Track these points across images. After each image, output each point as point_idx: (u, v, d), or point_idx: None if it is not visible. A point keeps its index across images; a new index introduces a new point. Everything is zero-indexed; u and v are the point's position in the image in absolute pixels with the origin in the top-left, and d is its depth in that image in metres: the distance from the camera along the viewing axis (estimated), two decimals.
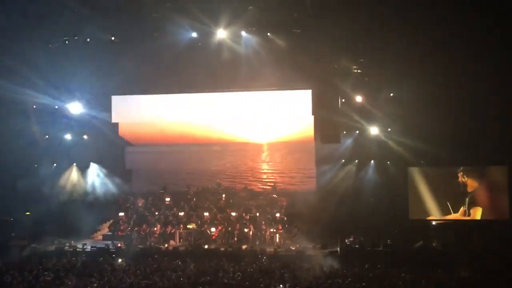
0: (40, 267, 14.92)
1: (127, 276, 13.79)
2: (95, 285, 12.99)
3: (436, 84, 18.21)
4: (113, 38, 19.82)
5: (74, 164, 22.07)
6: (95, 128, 21.79)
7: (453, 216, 19.04)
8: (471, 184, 19.09)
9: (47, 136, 21.48)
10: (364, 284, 12.62)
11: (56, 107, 21.15)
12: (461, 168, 19.19)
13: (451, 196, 19.19)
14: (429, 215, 19.25)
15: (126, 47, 19.96)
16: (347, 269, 14.70)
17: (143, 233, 19.23)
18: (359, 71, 19.93)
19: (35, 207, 19.93)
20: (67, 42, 19.79)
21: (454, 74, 17.98)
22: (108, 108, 22.27)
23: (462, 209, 18.99)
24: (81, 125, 21.68)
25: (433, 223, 19.25)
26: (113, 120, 22.50)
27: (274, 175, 22.32)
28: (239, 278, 13.40)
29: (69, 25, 19.10)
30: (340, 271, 14.51)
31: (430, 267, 14.58)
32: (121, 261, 16.15)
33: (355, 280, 13.06)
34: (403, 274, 13.74)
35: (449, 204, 19.12)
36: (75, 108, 21.36)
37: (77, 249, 17.97)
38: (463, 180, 19.17)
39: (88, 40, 19.83)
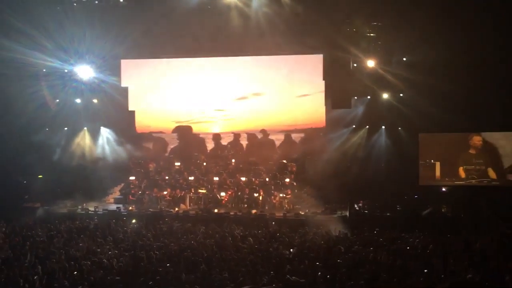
0: (54, 229, 15.19)
1: (138, 239, 14.01)
2: (107, 246, 13.20)
3: (449, 48, 17.83)
4: (121, 0, 19.52)
5: (85, 128, 22.14)
6: (104, 92, 21.74)
7: (464, 181, 18.98)
8: (483, 150, 18.94)
9: (57, 100, 21.51)
10: (372, 248, 12.69)
11: (66, 70, 21.08)
12: (473, 134, 19.00)
13: (462, 162, 19.09)
14: (439, 181, 19.20)
15: (135, 9, 19.71)
16: (356, 234, 14.79)
17: (154, 197, 19.41)
18: (372, 34, 19.54)
19: (48, 171, 20.17)
20: (75, 4, 19.54)
21: (468, 39, 17.57)
22: (117, 72, 22.16)
23: (473, 174, 18.91)
24: (91, 89, 21.64)
25: (443, 189, 19.22)
26: (123, 84, 22.41)
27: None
28: (248, 241, 13.54)
29: None
30: (349, 235, 14.60)
31: (439, 232, 14.61)
32: (133, 222, 16.39)
33: (363, 245, 13.14)
34: (411, 239, 13.80)
35: (460, 170, 19.04)
36: (85, 72, 21.28)
37: (89, 212, 18.24)
38: (476, 145, 19.01)
39: (97, 2, 19.56)
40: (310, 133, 21.62)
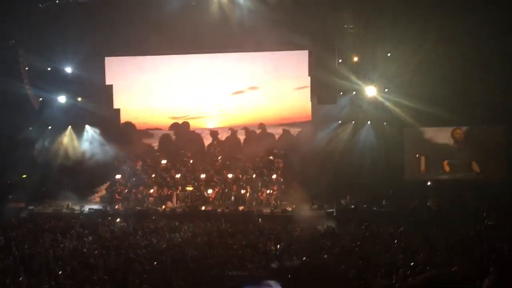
0: (39, 229, 15.02)
1: (125, 237, 13.93)
2: (94, 245, 13.10)
3: (433, 44, 17.95)
4: None
5: (69, 126, 21.91)
6: (89, 90, 21.50)
7: (448, 175, 19.18)
8: (468, 144, 19.15)
9: (40, 99, 21.25)
10: (359, 243, 12.77)
11: (49, 69, 20.82)
12: (458, 128, 19.20)
13: (447, 156, 19.28)
14: (424, 175, 19.37)
15: (119, 7, 19.50)
16: (342, 229, 14.87)
17: (140, 195, 19.30)
18: (357, 30, 19.61)
19: (32, 170, 19.94)
20: (57, 1, 19.31)
21: (451, 34, 17.71)
22: (102, 70, 21.95)
23: (458, 168, 19.12)
24: (75, 87, 21.38)
25: (428, 183, 19.40)
26: (107, 82, 22.21)
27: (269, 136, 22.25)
28: (236, 239, 13.54)
29: None
30: (336, 230, 14.67)
31: (424, 226, 14.74)
32: (118, 221, 16.29)
33: (350, 240, 13.22)
34: (397, 233, 13.91)
35: (445, 164, 19.24)
36: (69, 70, 21.03)
37: (75, 211, 18.06)
38: (460, 140, 19.21)
39: (80, 0, 19.34)
40: (297, 128, 21.66)
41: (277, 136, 22.03)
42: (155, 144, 22.68)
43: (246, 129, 22.16)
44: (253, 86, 22.08)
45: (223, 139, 22.35)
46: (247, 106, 22.25)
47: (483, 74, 17.99)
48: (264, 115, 22.19)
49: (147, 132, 22.88)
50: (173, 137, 22.61)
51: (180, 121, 22.49)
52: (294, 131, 21.77)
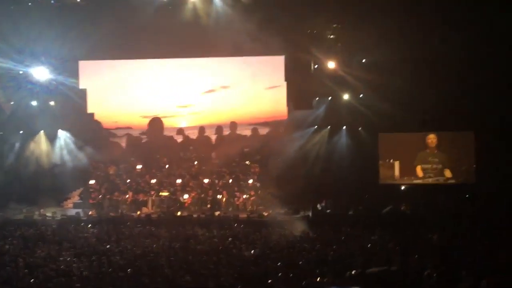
0: (9, 236, 14.67)
1: (99, 244, 13.70)
2: (67, 253, 12.85)
3: (407, 49, 18.28)
4: (78, 0, 19.09)
5: (42, 131, 21.48)
6: (62, 94, 21.15)
7: (421, 180, 19.51)
8: (439, 148, 19.53)
9: (12, 103, 20.80)
10: (334, 247, 12.84)
11: (21, 72, 20.39)
12: (430, 133, 19.55)
13: (420, 161, 19.62)
14: (398, 179, 19.66)
15: (93, 10, 19.29)
16: (318, 234, 14.93)
17: (114, 201, 19.03)
18: (332, 36, 19.82)
19: (3, 175, 19.48)
20: (30, 3, 18.97)
21: (425, 39, 18.06)
22: (75, 74, 21.62)
23: (430, 173, 19.47)
24: (48, 91, 20.97)
25: (402, 187, 19.69)
26: (81, 86, 21.88)
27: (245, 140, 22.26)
28: (212, 243, 13.47)
29: None
30: (311, 235, 14.73)
31: (399, 230, 14.91)
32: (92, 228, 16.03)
33: (325, 244, 13.28)
34: (372, 237, 14.05)
35: (418, 169, 19.56)
36: (41, 73, 20.63)
37: (47, 217, 17.70)
38: (431, 144, 19.58)
39: (53, 1, 19.06)
40: (273, 132, 21.74)
41: (249, 136, 22.03)
42: (124, 144, 22.41)
43: (219, 127, 22.09)
44: (225, 86, 22.12)
45: (194, 137, 22.23)
46: (220, 105, 22.23)
47: (456, 80, 18.40)
48: (237, 115, 22.20)
49: (117, 132, 22.58)
50: (144, 138, 22.38)
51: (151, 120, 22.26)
52: (265, 130, 21.81)
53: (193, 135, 22.36)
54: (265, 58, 21.56)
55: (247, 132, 22.15)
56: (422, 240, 13.49)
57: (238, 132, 22.23)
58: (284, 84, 21.52)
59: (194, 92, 22.14)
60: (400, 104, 18.56)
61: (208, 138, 22.26)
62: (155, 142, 22.20)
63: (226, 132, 22.25)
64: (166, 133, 22.44)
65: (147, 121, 22.41)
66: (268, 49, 20.41)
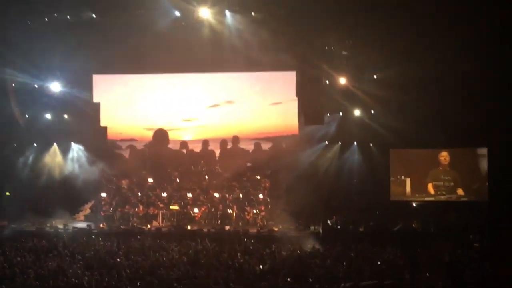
0: (20, 248, 14.79)
1: (109, 257, 13.75)
2: (77, 265, 12.91)
3: (419, 66, 18.25)
4: (94, 16, 19.43)
5: (55, 144, 21.72)
6: (76, 107, 21.41)
7: (433, 197, 19.34)
8: (452, 166, 19.38)
9: (27, 116, 21.10)
10: (345, 264, 12.76)
11: (36, 86, 20.74)
12: (442, 150, 19.43)
13: (432, 178, 19.46)
14: (410, 197, 19.51)
15: (107, 25, 19.59)
16: (328, 250, 14.85)
17: (125, 214, 19.11)
18: (344, 52, 19.89)
19: (16, 187, 19.69)
20: (46, 19, 19.34)
21: (437, 56, 18.05)
22: (89, 88, 21.91)
23: (442, 190, 19.30)
24: (62, 104, 21.26)
25: (414, 204, 19.53)
26: (94, 100, 22.15)
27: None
28: (221, 258, 13.45)
29: (48, 2, 18.64)
30: (322, 251, 14.65)
31: (410, 247, 14.79)
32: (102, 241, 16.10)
33: (336, 260, 13.21)
34: (383, 255, 13.93)
35: (430, 186, 19.41)
36: (55, 87, 20.96)
37: (59, 230, 17.82)
38: (444, 162, 19.43)
39: (68, 17, 19.42)
40: (283, 147, 21.73)
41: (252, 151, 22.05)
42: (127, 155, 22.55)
43: (223, 141, 22.11)
44: (230, 101, 22.17)
45: (198, 151, 22.29)
46: (224, 119, 22.28)
47: (468, 96, 18.33)
48: (241, 129, 22.25)
49: (122, 144, 22.75)
50: (148, 149, 22.49)
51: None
52: (280, 148, 21.80)
53: (197, 148, 22.43)
54: (276, 74, 21.67)
55: (251, 146, 22.16)
56: (433, 258, 13.35)
57: (241, 146, 22.24)
58: (288, 100, 21.52)
59: (199, 106, 22.23)
60: (411, 120, 18.51)
61: (213, 152, 22.31)
62: (163, 155, 22.29)
63: (229, 146, 22.28)
64: (170, 145, 22.55)
65: (151, 133, 22.55)
66: (279, 64, 20.58)
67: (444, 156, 19.39)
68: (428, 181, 19.45)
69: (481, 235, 15.70)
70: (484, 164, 18.97)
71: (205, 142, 22.32)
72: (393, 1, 17.53)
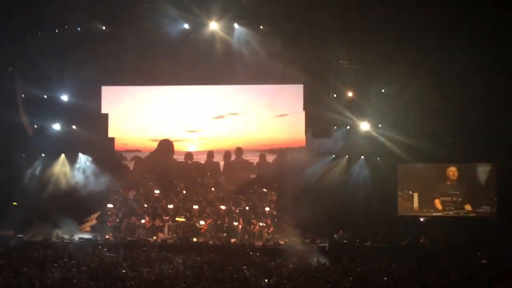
0: (26, 258, 14.80)
1: (115, 268, 13.72)
2: (83, 276, 12.89)
3: (427, 80, 18.26)
4: (103, 28, 19.65)
5: (63, 154, 21.84)
6: (84, 118, 21.56)
7: (441, 212, 19.19)
8: (460, 181, 19.23)
9: (35, 126, 21.25)
10: (351, 278, 12.65)
11: (45, 96, 20.92)
12: (450, 164, 19.31)
13: (440, 192, 19.32)
14: (417, 212, 19.36)
15: (117, 37, 19.82)
16: (335, 264, 14.73)
17: (131, 225, 19.10)
18: (351, 66, 19.94)
19: (23, 197, 19.76)
20: (57, 31, 19.58)
21: (445, 71, 18.05)
22: (97, 99, 22.09)
23: (450, 206, 19.14)
24: (70, 115, 21.43)
25: (421, 219, 19.37)
26: (103, 111, 22.31)
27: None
28: (227, 271, 13.38)
29: (59, 14, 18.89)
30: (328, 265, 14.54)
31: (417, 263, 14.65)
32: (108, 252, 16.08)
33: (342, 275, 13.10)
34: (389, 270, 13.80)
35: (437, 202, 19.27)
36: (64, 97, 21.13)
37: (65, 240, 17.83)
38: (452, 177, 19.29)
39: (79, 29, 19.64)
40: (287, 159, 21.73)
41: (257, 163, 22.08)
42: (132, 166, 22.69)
43: (227, 153, 22.15)
44: (235, 112, 22.27)
45: (203, 162, 22.38)
46: (229, 131, 22.37)
47: (476, 111, 18.27)
48: (245, 141, 22.30)
49: (127, 155, 22.85)
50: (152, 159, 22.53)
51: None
52: (286, 160, 21.76)
53: (202, 159, 22.46)
54: (283, 86, 21.75)
55: (256, 158, 22.16)
56: (440, 274, 13.20)
57: (246, 158, 22.24)
58: (294, 112, 21.55)
59: (204, 118, 22.31)
60: (419, 134, 18.45)
61: (217, 164, 22.33)
62: (168, 166, 22.34)
63: (233, 158, 22.28)
64: (175, 156, 22.61)
65: (156, 144, 22.61)
66: (287, 77, 20.67)
67: (452, 171, 19.24)
68: (436, 196, 19.30)
69: (489, 251, 15.50)
70: (493, 180, 18.80)
71: (210, 154, 22.38)
72: (402, 14, 17.60)
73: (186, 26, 19.29)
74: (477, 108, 18.28)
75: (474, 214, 18.91)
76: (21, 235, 18.18)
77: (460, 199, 19.08)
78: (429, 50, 18.19)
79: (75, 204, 19.98)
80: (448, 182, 19.30)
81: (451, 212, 19.10)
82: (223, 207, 19.67)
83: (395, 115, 19.00)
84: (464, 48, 17.51)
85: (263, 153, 22.06)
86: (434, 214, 19.25)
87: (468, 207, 19.00)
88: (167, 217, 19.34)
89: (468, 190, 19.06)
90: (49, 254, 15.47)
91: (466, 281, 12.49)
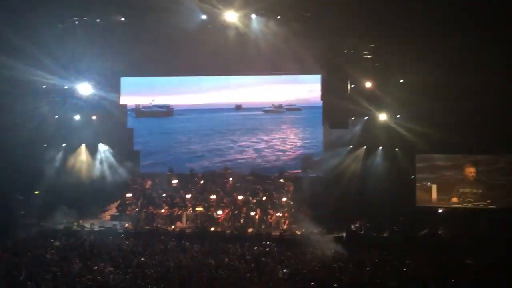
0: (49, 246, 15.13)
1: (134, 256, 13.96)
2: (103, 264, 13.14)
3: (446, 70, 17.99)
4: (122, 19, 19.77)
5: (83, 144, 22.17)
6: (104, 109, 21.83)
7: (460, 204, 19.00)
8: (479, 172, 19.00)
9: (56, 117, 21.58)
10: (368, 269, 12.67)
11: (66, 87, 21.20)
12: (470, 156, 19.08)
13: (459, 184, 19.12)
14: (436, 203, 19.21)
15: (135, 28, 19.93)
16: (351, 254, 14.75)
17: (150, 214, 19.35)
18: (369, 56, 19.76)
19: (45, 186, 20.13)
20: (76, 22, 19.77)
21: (465, 61, 17.76)
22: (117, 89, 22.33)
23: (470, 198, 18.94)
24: (90, 106, 21.70)
25: (440, 210, 19.21)
26: (122, 102, 22.55)
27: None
28: (244, 261, 13.50)
29: (78, 5, 19.07)
30: (345, 256, 14.57)
31: (435, 254, 14.59)
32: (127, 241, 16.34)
33: (359, 265, 13.12)
34: (407, 261, 13.77)
35: (456, 192, 19.08)
36: (84, 88, 21.38)
37: (85, 229, 18.17)
38: (471, 168, 19.07)
39: (98, 20, 19.81)
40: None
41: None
42: None
43: None
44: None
45: None
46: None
47: (496, 102, 17.97)
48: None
49: None
50: None
51: None
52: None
53: None
54: (301, 77, 21.72)
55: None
56: (458, 265, 13.14)
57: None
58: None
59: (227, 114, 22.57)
60: (438, 125, 18.20)
61: None
62: None
63: None
64: None
65: None
66: (305, 68, 20.59)
67: (471, 171, 18.96)
68: (455, 188, 19.09)
69: (508, 243, 15.34)
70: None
71: None
72: (421, 3, 17.33)
73: (204, 17, 19.30)
74: (497, 98, 17.97)
75: (494, 206, 18.67)
76: (43, 224, 18.55)
77: (480, 191, 18.86)
78: (449, 39, 17.89)
79: (96, 193, 20.30)
80: (468, 173, 19.05)
81: (470, 204, 18.90)
82: (240, 197, 19.79)
83: (414, 105, 18.77)
84: (488, 37, 17.17)
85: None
86: (453, 205, 19.07)
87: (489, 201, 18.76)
88: (187, 207, 19.53)
89: (487, 185, 18.79)
90: (70, 242, 15.78)
91: (486, 273, 12.39)
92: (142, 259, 13.69)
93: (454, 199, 18.98)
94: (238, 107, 22.61)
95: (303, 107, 22.55)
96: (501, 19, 16.78)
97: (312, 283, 11.25)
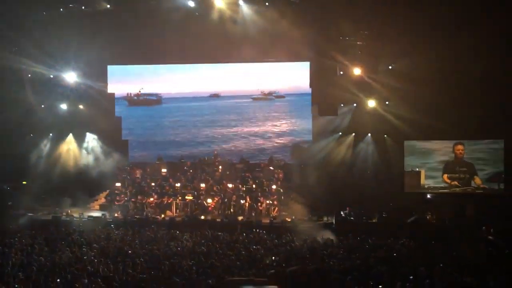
0: (37, 236, 15.02)
1: (124, 245, 13.91)
2: (92, 253, 13.08)
3: (434, 57, 18.05)
4: (108, 6, 19.50)
5: (70, 134, 21.95)
6: (91, 98, 21.61)
7: (448, 189, 19.20)
8: (467, 157, 19.18)
9: (42, 106, 21.33)
10: (357, 255, 12.75)
11: (52, 76, 20.95)
12: (458, 141, 19.23)
13: (447, 170, 19.30)
14: (424, 188, 19.37)
15: (122, 16, 19.68)
16: (341, 241, 14.84)
17: (139, 204, 19.28)
18: (358, 43, 19.73)
19: (32, 176, 19.96)
20: (62, 10, 19.47)
21: (453, 48, 17.81)
22: (104, 78, 22.09)
23: (457, 181, 19.14)
24: (77, 94, 21.50)
25: (428, 196, 19.40)
26: (109, 90, 22.34)
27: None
28: (235, 249, 13.52)
29: None
30: (335, 242, 14.64)
31: (424, 239, 14.72)
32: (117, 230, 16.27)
33: (348, 251, 13.20)
34: (397, 246, 13.89)
35: (444, 177, 19.26)
36: (71, 77, 21.15)
37: (74, 218, 18.05)
38: (459, 155, 19.24)
39: (84, 8, 19.52)
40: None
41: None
42: None
43: None
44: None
45: None
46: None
47: (484, 88, 18.09)
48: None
49: None
50: None
51: None
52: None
53: None
54: (290, 64, 21.65)
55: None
56: (447, 250, 13.27)
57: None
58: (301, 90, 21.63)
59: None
60: (426, 111, 18.32)
61: None
62: None
63: None
64: None
65: None
66: (293, 54, 20.52)
67: (460, 149, 19.17)
68: (443, 173, 19.30)
69: (495, 227, 15.53)
70: (500, 156, 18.73)
71: None
72: None
73: (191, 3, 19.09)
74: (485, 85, 18.08)
75: (481, 191, 18.90)
76: (31, 214, 18.40)
77: (468, 176, 19.08)
78: (438, 26, 17.92)
79: (84, 183, 20.17)
80: (455, 160, 19.25)
81: (458, 189, 19.11)
82: (230, 185, 19.77)
83: (403, 92, 18.84)
84: (474, 24, 17.23)
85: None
86: (441, 191, 19.26)
87: (477, 180, 18.97)
88: (177, 196, 19.48)
89: (475, 168, 19.01)
90: (59, 232, 15.68)
91: (475, 257, 12.54)
92: (132, 248, 13.64)
93: (446, 181, 19.17)
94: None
95: (292, 95, 22.41)
96: (490, 8, 16.84)
97: (302, 270, 11.29)
